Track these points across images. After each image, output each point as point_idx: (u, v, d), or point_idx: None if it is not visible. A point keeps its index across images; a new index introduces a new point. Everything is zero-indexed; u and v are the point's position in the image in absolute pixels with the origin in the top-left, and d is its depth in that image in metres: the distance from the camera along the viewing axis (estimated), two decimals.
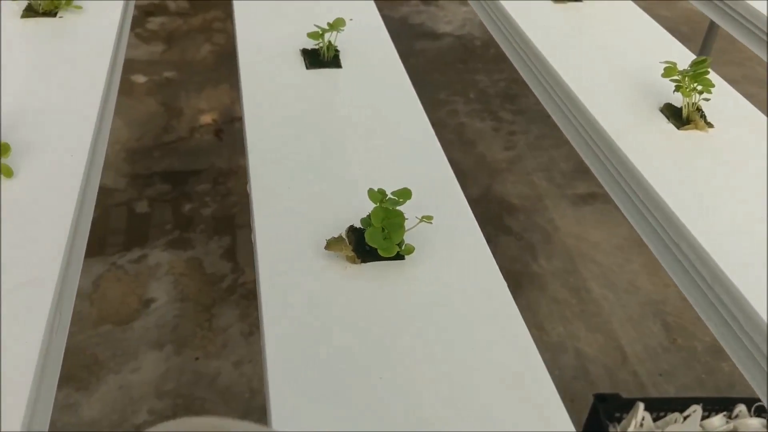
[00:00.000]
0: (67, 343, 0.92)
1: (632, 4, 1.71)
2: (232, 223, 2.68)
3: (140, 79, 3.36)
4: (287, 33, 1.46)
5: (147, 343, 2.20)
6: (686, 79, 1.25)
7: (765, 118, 1.34)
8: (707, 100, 1.30)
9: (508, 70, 3.50)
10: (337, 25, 1.33)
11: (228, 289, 2.42)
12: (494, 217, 2.73)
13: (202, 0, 4.00)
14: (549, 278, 2.53)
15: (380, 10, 1.65)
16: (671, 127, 1.29)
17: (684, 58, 1.46)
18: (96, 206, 1.17)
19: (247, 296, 2.34)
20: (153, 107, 3.19)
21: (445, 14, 4.05)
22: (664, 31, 1.62)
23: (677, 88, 1.28)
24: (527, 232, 2.74)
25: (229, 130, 3.09)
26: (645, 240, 1.19)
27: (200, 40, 3.65)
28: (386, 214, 0.92)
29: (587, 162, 1.36)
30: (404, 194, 0.96)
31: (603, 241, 2.68)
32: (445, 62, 3.64)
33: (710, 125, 1.30)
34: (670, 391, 2.13)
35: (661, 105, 1.35)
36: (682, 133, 1.27)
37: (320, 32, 1.33)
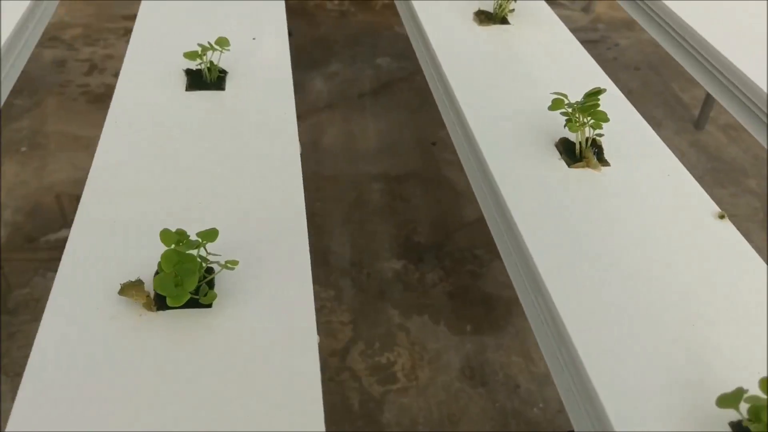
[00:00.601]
0: None
1: (565, 29, 1.58)
2: None
3: None
4: (184, 49, 1.35)
5: None
6: (576, 112, 1.12)
7: (674, 160, 1.21)
8: (600, 135, 1.18)
9: None
10: (221, 44, 1.23)
11: None
12: (488, 240, 2.63)
13: None
14: None
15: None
16: (561, 164, 1.16)
17: (609, 96, 1.35)
18: None
19: None
20: None
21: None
22: (592, 60, 1.48)
23: (567, 123, 1.15)
24: None
25: None
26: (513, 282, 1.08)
27: None
28: (180, 258, 0.82)
29: (477, 197, 1.24)
30: (209, 236, 0.86)
31: None
32: None
33: (605, 163, 1.17)
34: None
35: (557, 140, 1.22)
36: (570, 171, 1.14)
37: (199, 52, 1.23)
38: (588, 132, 1.14)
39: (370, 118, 3.07)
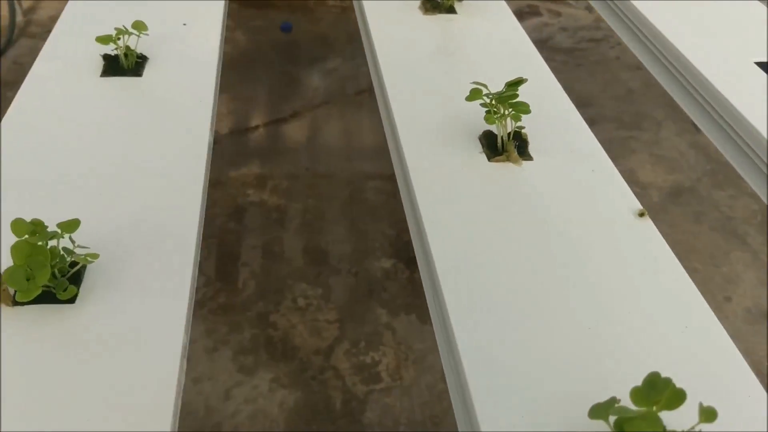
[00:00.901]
0: None
1: (512, 19, 1.51)
2: (212, 236, 2.61)
3: None
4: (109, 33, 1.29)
5: None
6: (495, 103, 1.05)
7: (602, 155, 1.13)
8: (521, 128, 1.10)
9: None
10: (137, 28, 1.18)
11: (197, 304, 2.36)
12: None
13: None
14: None
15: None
16: (482, 157, 1.08)
17: (544, 81, 1.26)
18: None
19: (216, 311, 2.26)
20: None
21: None
22: (535, 51, 1.41)
23: (485, 115, 1.07)
24: None
25: (223, 140, 3.01)
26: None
27: None
28: (31, 250, 0.76)
29: (401, 193, 1.18)
30: (69, 226, 0.81)
31: None
32: None
33: (528, 157, 1.09)
34: None
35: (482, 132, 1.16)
36: (489, 165, 1.07)
37: (113, 36, 1.18)
38: (510, 125, 1.07)
39: (366, 116, 3.02)
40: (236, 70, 3.38)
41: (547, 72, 1.32)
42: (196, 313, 2.27)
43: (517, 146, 1.10)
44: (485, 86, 1.07)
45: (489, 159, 1.08)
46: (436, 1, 1.49)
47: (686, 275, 0.93)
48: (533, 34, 3.72)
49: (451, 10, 1.50)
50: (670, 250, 0.97)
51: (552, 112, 1.19)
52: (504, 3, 1.57)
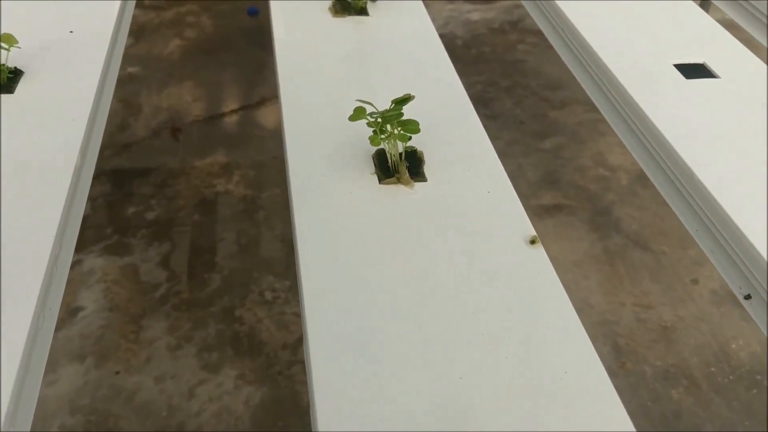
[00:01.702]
0: None
1: (427, 21, 1.39)
2: (175, 229, 2.54)
3: None
4: None
5: (68, 354, 2.09)
6: (380, 123, 0.95)
7: (502, 176, 1.04)
8: (411, 150, 1.03)
9: (488, 72, 3.21)
10: (6, 41, 1.08)
11: (161, 299, 2.31)
12: None
13: None
14: None
15: None
16: (373, 179, 0.99)
17: (454, 97, 1.16)
18: None
19: (179, 307, 2.20)
20: (111, 104, 3.05)
21: (429, 12, 3.75)
22: (446, 56, 1.30)
23: (372, 136, 0.98)
24: None
25: (188, 129, 2.92)
26: None
27: (170, 35, 3.50)
28: None
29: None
30: None
31: (561, 256, 2.41)
32: None
33: (422, 178, 1.00)
34: None
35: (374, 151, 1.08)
36: (379, 187, 0.98)
37: None
38: (400, 144, 0.98)
39: None
40: (202, 55, 3.29)
41: (455, 78, 1.22)
42: (158, 310, 2.22)
43: (411, 166, 1.01)
44: (370, 104, 0.97)
45: (380, 181, 1.00)
46: (347, 2, 1.37)
47: (572, 310, 0.85)
48: (504, 16, 3.57)
49: (363, 11, 1.38)
50: (559, 281, 0.88)
51: (455, 120, 1.10)
52: (420, 2, 1.45)
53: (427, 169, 1.05)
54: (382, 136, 0.98)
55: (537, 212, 2.57)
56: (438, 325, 0.83)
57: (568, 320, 0.84)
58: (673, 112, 1.19)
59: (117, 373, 2.03)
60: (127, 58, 3.28)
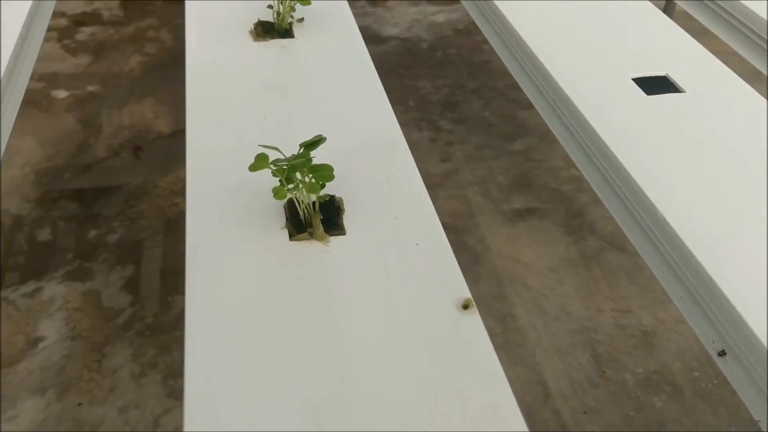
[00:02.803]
0: None
1: (359, 42, 1.23)
2: (139, 251, 2.42)
3: (61, 94, 3.10)
4: None
5: (28, 388, 1.96)
6: (285, 171, 0.82)
7: (435, 225, 0.90)
8: (326, 198, 0.91)
9: (453, 76, 3.11)
10: None
11: (124, 325, 2.19)
12: None
13: (138, 6, 3.71)
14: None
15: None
16: (284, 234, 0.85)
17: (384, 129, 1.02)
18: None
19: (143, 333, 2.08)
20: (71, 124, 2.92)
21: (393, 15, 3.66)
22: (379, 84, 1.15)
23: (276, 188, 0.84)
24: (455, 253, 2.37)
25: (149, 147, 2.79)
26: None
27: (130, 51, 3.37)
28: None
29: None
30: None
31: (536, 262, 2.31)
32: (386, 67, 3.25)
33: (340, 231, 0.86)
34: (595, 431, 1.86)
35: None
36: (290, 245, 0.84)
37: None
38: (311, 195, 0.84)
39: None
40: (163, 71, 3.17)
41: (386, 106, 1.07)
42: (121, 336, 2.10)
43: (328, 217, 0.87)
44: (277, 149, 0.83)
45: (290, 236, 0.86)
46: (269, 24, 1.21)
47: (509, 392, 0.71)
48: (469, 17, 3.42)
49: (287, 33, 1.21)
50: (494, 353, 0.74)
51: (383, 155, 0.96)
52: (351, 19, 1.27)
53: (347, 218, 0.91)
54: (290, 186, 0.84)
55: (509, 217, 2.47)
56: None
57: (502, 399, 0.70)
58: (633, 138, 1.05)
59: (79, 405, 1.91)
60: (86, 77, 3.15)
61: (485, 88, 3.04)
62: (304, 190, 0.85)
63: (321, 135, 0.84)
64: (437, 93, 3.10)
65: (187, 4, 1.22)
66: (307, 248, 0.85)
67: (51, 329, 2.15)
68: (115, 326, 2.14)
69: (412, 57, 3.32)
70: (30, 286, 2.28)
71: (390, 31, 3.54)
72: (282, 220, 0.90)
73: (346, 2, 1.29)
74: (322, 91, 1.08)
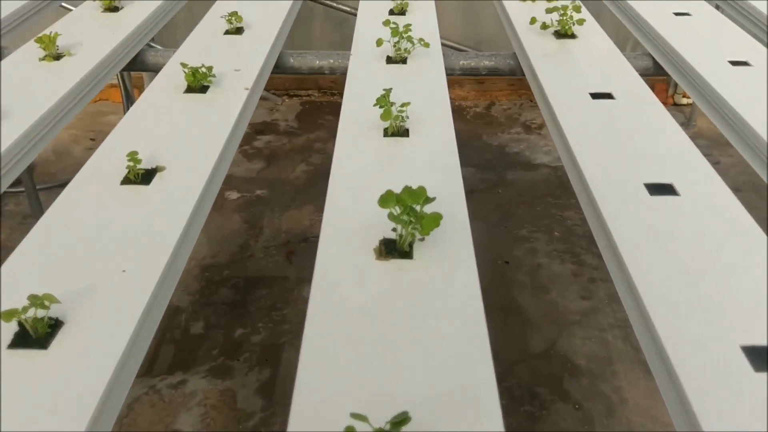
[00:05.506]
0: None
1: (475, 280, 0.96)
2: (278, 354, 2.38)
3: (233, 195, 3.15)
4: None
5: None
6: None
7: None
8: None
9: None
10: None
11: (253, 429, 2.13)
12: (554, 378, 2.15)
13: (311, 119, 3.76)
14: None
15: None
16: None
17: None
18: None
19: None
20: (237, 224, 2.95)
21: (546, 143, 3.48)
22: (484, 331, 0.90)
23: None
24: (588, 401, 2.18)
25: (301, 251, 2.77)
26: None
27: (298, 160, 3.40)
28: None
29: None
30: None
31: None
32: (534, 195, 3.07)
33: None
34: None
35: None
36: None
37: None
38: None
39: None
40: (324, 180, 3.15)
41: (487, 352, 0.84)
42: None
43: None
44: (365, 419, 0.67)
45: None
46: (392, 243, 1.00)
47: None
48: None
49: (407, 255, 1.03)
50: None
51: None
52: (470, 240, 1.03)
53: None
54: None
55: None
56: None
57: None
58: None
59: None
60: (257, 181, 3.20)
61: None
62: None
63: (407, 412, 0.68)
64: (584, 225, 2.91)
65: (326, 211, 1.14)
66: None
67: (187, 423, 2.13)
68: (245, 429, 2.08)
69: (562, 186, 3.14)
70: (176, 377, 2.27)
71: (542, 158, 3.38)
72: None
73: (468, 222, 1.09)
74: (429, 320, 0.89)
